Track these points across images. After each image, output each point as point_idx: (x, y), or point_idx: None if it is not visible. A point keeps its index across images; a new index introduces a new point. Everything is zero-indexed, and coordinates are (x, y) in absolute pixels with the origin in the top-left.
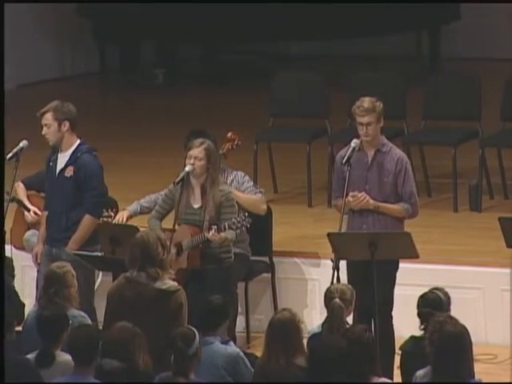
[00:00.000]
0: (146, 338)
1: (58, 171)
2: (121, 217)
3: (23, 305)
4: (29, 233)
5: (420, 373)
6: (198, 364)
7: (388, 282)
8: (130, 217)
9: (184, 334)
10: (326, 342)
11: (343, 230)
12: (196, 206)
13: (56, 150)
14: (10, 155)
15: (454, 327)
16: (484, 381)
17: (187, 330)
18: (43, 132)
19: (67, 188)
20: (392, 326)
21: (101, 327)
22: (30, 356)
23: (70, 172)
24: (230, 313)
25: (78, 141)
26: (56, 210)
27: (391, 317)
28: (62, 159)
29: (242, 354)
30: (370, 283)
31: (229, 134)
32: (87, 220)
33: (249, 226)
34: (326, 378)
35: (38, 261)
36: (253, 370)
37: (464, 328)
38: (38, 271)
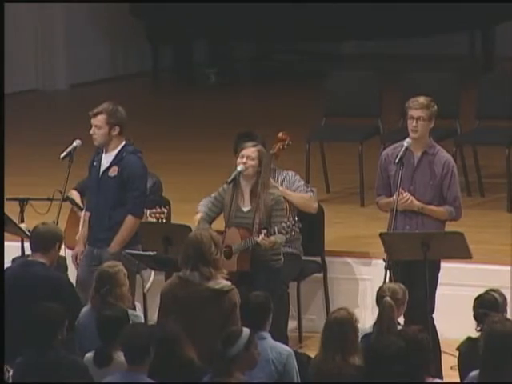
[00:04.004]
0: (190, 339)
1: (101, 171)
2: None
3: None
4: None
5: (473, 374)
6: (249, 364)
7: (430, 282)
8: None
9: (226, 334)
10: (384, 341)
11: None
12: (245, 209)
13: (100, 150)
14: (63, 154)
15: (504, 327)
16: None
17: (233, 330)
18: (91, 132)
19: (111, 188)
20: (434, 326)
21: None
22: (89, 355)
23: (114, 172)
24: (270, 308)
25: (124, 141)
26: (99, 210)
27: (432, 317)
28: (107, 159)
29: (293, 353)
30: (412, 283)
31: (279, 134)
32: (130, 220)
33: (299, 230)
34: (383, 378)
35: (78, 261)
36: (302, 370)
37: None
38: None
